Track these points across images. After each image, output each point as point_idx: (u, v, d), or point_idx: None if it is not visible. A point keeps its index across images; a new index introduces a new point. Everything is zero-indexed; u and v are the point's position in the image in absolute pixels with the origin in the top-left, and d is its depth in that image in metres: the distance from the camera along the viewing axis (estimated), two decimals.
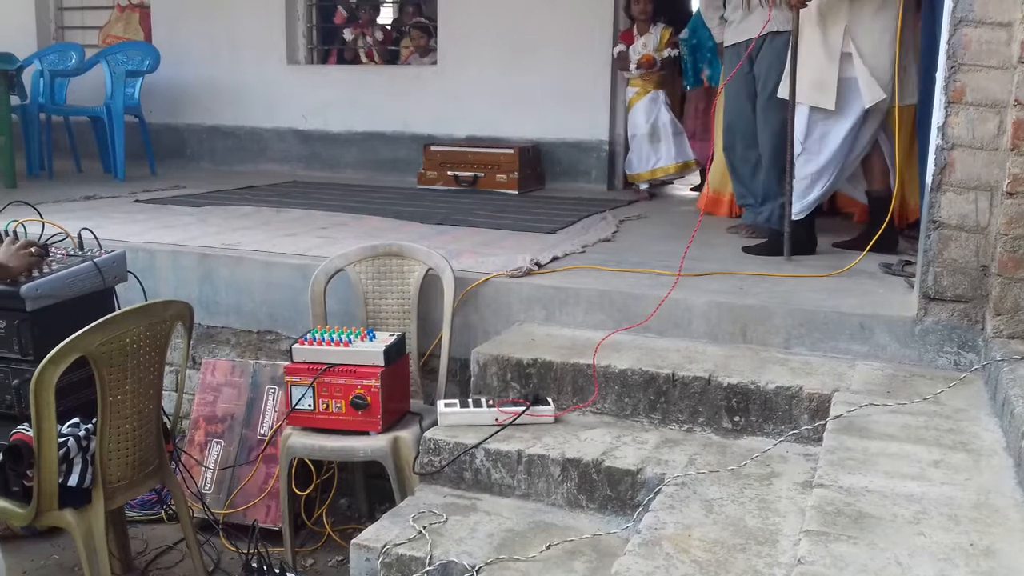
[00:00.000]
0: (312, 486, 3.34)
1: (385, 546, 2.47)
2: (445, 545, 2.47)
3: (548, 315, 3.37)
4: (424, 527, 2.54)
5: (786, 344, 3.04)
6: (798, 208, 3.83)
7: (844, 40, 3.66)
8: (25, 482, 2.56)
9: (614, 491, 2.57)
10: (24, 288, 2.70)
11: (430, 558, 2.42)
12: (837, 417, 2.38)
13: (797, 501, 2.27)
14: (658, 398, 2.86)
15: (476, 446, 2.74)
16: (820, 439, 2.45)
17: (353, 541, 2.55)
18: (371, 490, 3.48)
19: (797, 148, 3.78)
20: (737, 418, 2.77)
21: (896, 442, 2.23)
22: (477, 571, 2.35)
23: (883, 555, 1.71)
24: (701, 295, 3.21)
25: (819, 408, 2.62)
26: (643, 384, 2.87)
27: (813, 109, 3.75)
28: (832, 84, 3.68)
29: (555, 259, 3.75)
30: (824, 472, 2.06)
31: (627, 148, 6.02)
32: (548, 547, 2.42)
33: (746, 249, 3.98)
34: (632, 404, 2.89)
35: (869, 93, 3.66)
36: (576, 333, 3.24)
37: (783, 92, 3.81)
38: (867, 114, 3.75)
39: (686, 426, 2.83)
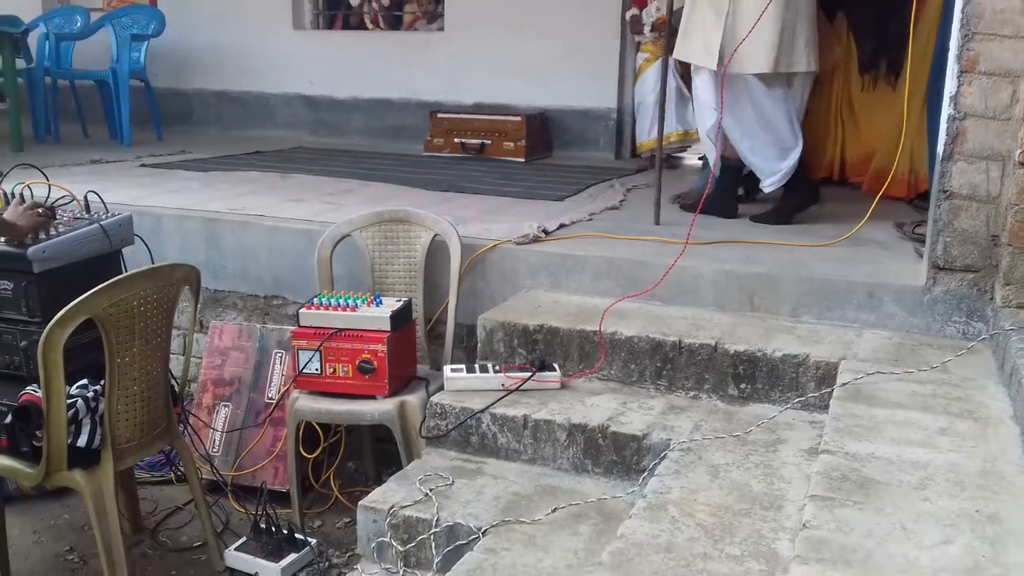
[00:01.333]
0: (319, 449, 3.36)
1: (392, 508, 2.49)
2: (451, 507, 2.49)
3: (555, 282, 3.36)
4: (430, 490, 2.56)
5: (794, 312, 3.04)
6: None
7: (729, 4, 3.62)
8: (34, 443, 2.58)
9: (619, 456, 2.58)
10: (31, 250, 2.70)
11: (437, 520, 2.44)
12: (844, 385, 2.38)
13: (803, 467, 2.28)
14: (664, 365, 2.86)
15: (482, 411, 2.75)
16: (826, 407, 2.45)
17: (360, 503, 2.57)
18: (378, 453, 3.50)
19: (713, 113, 3.78)
20: (744, 385, 2.77)
21: (903, 410, 2.23)
22: (483, 533, 2.37)
23: (888, 520, 1.72)
24: (709, 263, 3.20)
25: (826, 376, 2.62)
26: (649, 351, 2.87)
27: (714, 73, 3.71)
28: (715, 47, 3.64)
29: (562, 226, 3.74)
30: (830, 438, 2.07)
31: (635, 117, 5.97)
32: (554, 510, 2.43)
33: (754, 218, 3.96)
34: (638, 371, 2.90)
35: (750, 60, 3.62)
36: (583, 300, 3.24)
37: (678, 53, 3.86)
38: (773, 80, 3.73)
39: (692, 393, 2.83)
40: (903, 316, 2.91)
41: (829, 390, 2.49)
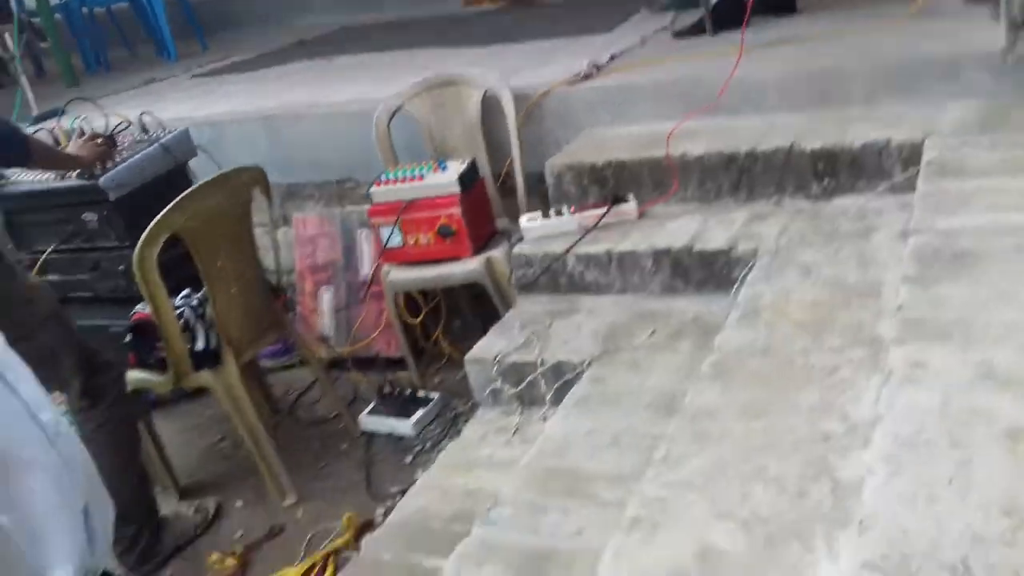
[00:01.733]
0: (422, 315, 3.47)
1: (496, 356, 2.60)
2: (553, 347, 2.58)
3: (615, 115, 3.29)
4: (530, 334, 2.65)
5: (869, 100, 2.91)
6: None
7: None
8: (158, 354, 2.76)
9: (709, 272, 2.60)
10: (103, 180, 2.81)
11: (541, 360, 2.54)
12: (929, 162, 2.30)
13: (897, 251, 2.22)
14: (740, 176, 2.81)
15: (565, 253, 2.78)
16: (915, 188, 2.38)
17: (466, 357, 2.69)
18: (478, 308, 3.58)
19: None
20: (826, 181, 2.71)
21: (994, 177, 2.15)
22: (588, 365, 2.46)
23: (985, 289, 1.70)
24: (771, 65, 3.08)
25: (911, 157, 2.53)
26: (722, 165, 2.82)
27: None
28: None
29: (613, 58, 3.62)
30: (919, 217, 2.03)
31: None
32: (652, 333, 2.49)
33: None
34: (715, 187, 2.86)
35: None
36: (646, 128, 3.16)
37: None
38: None
39: (774, 199, 2.79)
40: (986, 82, 2.75)
41: (916, 170, 2.41)
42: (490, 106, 3.36)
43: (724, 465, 1.71)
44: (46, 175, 2.98)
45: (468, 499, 2.28)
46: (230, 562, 2.60)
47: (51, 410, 0.88)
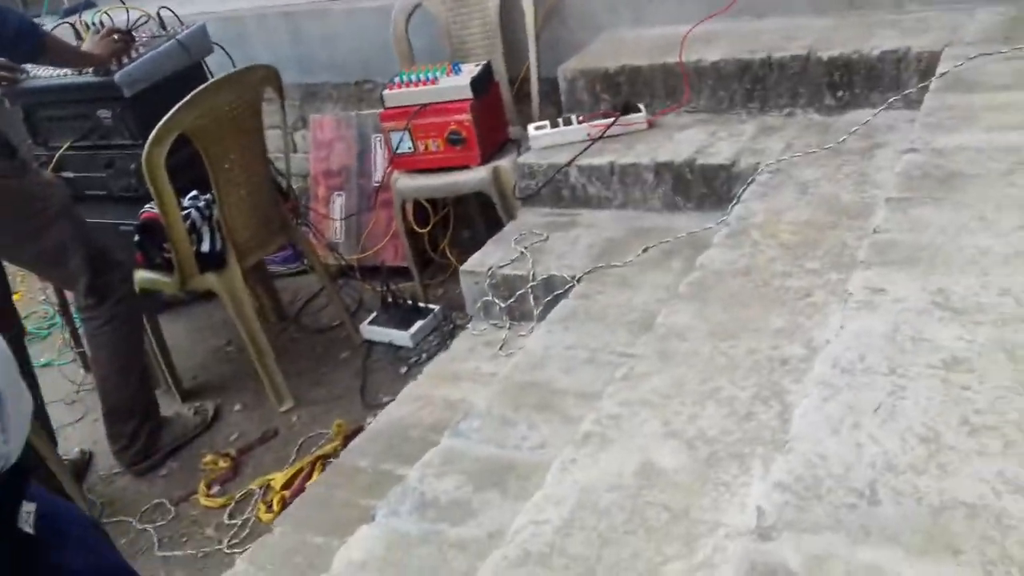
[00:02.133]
0: (431, 224, 3.47)
1: (490, 269, 2.59)
2: (547, 261, 2.55)
3: (636, 16, 3.16)
4: (526, 247, 2.62)
5: (899, 3, 2.74)
6: None
7: None
8: (165, 255, 2.81)
9: (709, 188, 2.52)
10: (118, 75, 2.81)
11: (532, 274, 2.52)
12: (943, 74, 2.16)
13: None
14: (754, 86, 2.70)
15: (568, 164, 2.73)
16: None
17: (461, 268, 2.69)
18: (488, 220, 3.57)
19: None
20: (840, 93, 2.58)
21: (1005, 92, 2.02)
22: (577, 280, 2.43)
23: (967, 213, 1.61)
24: None
25: (928, 68, 2.38)
26: (737, 74, 2.70)
27: None
28: None
29: None
30: (918, 135, 1.92)
31: None
32: (645, 250, 2.45)
33: None
34: (727, 97, 2.75)
35: None
36: (666, 31, 3.03)
37: None
38: None
39: (786, 110, 2.67)
40: None
41: (929, 82, 2.27)
42: (510, 5, 3.25)
43: (682, 385, 1.69)
44: (63, 71, 3.00)
45: (448, 410, 2.30)
46: (223, 463, 2.69)
47: None
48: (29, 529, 0.94)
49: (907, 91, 2.42)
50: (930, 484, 1.13)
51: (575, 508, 1.48)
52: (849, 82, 2.55)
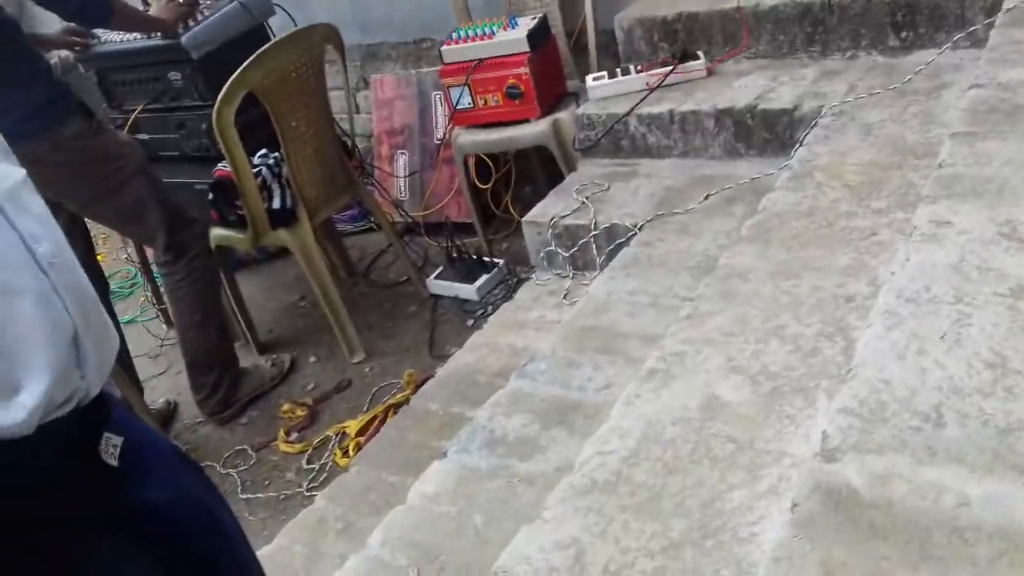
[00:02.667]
0: (493, 180, 3.51)
1: (552, 219, 2.63)
2: (608, 211, 2.58)
3: None
4: (587, 198, 2.66)
5: None
6: None
7: None
8: (238, 212, 2.92)
9: (771, 133, 2.52)
10: (184, 38, 2.89)
11: (595, 223, 2.55)
12: (1009, 10, 2.12)
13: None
14: (815, 29, 2.66)
15: (627, 114, 2.74)
16: None
17: (523, 219, 2.73)
18: (549, 174, 3.60)
19: None
20: (905, 34, 2.54)
21: None
22: (639, 228, 2.46)
23: None
24: None
25: (995, 5, 2.32)
26: (797, 17, 2.67)
27: None
28: None
29: None
30: (983, 71, 1.89)
31: None
32: (706, 197, 2.46)
33: None
34: (788, 41, 2.73)
35: None
36: None
37: None
38: None
39: (849, 53, 2.64)
40: None
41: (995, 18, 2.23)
42: None
43: (745, 323, 1.72)
44: (132, 35, 3.09)
45: (514, 356, 2.37)
46: (300, 412, 2.80)
47: (50, 242, 0.97)
48: (113, 461, 1.00)
49: (972, 28, 2.37)
50: (996, 407, 1.15)
51: (640, 439, 1.53)
52: (913, 22, 2.50)
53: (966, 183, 1.56)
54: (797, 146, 2.33)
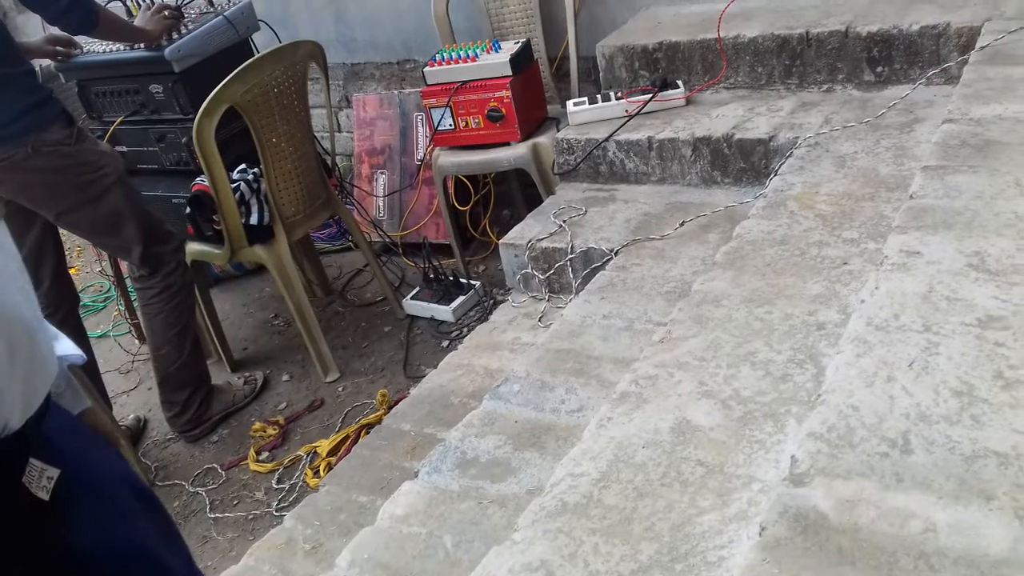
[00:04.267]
0: (472, 202, 3.53)
1: (529, 242, 2.64)
2: (585, 235, 2.60)
3: None
4: (564, 221, 2.67)
5: None
6: None
7: None
8: (215, 227, 2.90)
9: (747, 163, 2.55)
10: (167, 51, 2.89)
11: (571, 247, 2.57)
12: (982, 48, 2.17)
13: None
14: (793, 61, 2.71)
15: (606, 139, 2.76)
16: None
17: (500, 241, 2.74)
18: (528, 198, 3.62)
19: None
20: (880, 69, 2.59)
21: None
22: (615, 253, 2.47)
23: (1003, 179, 1.63)
24: None
25: (969, 43, 2.38)
26: (775, 49, 2.72)
27: None
28: None
29: None
30: (955, 106, 1.93)
31: None
32: (682, 224, 2.48)
33: None
34: (766, 73, 2.77)
35: None
36: (704, 8, 3.06)
37: None
38: None
39: (825, 86, 2.68)
40: None
41: (968, 56, 2.28)
42: None
43: (717, 348, 1.73)
44: (115, 46, 3.08)
45: (488, 378, 2.37)
46: (271, 431, 2.78)
47: None
48: (44, 495, 0.93)
49: (946, 65, 2.43)
50: (963, 434, 1.16)
51: (612, 462, 1.53)
52: (888, 57, 2.55)
53: (937, 215, 1.58)
54: (772, 176, 2.36)
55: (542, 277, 2.62)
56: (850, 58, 2.61)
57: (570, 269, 2.56)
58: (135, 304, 3.22)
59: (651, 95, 2.79)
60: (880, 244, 1.84)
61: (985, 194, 1.60)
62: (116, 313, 3.72)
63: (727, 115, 2.67)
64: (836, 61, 2.63)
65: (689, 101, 2.82)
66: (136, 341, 3.48)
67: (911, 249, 1.51)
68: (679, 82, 2.84)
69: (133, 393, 3.23)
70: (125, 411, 3.08)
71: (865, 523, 1.09)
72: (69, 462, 0.99)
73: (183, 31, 2.98)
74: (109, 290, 3.92)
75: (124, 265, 3.08)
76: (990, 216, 1.54)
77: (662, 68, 2.93)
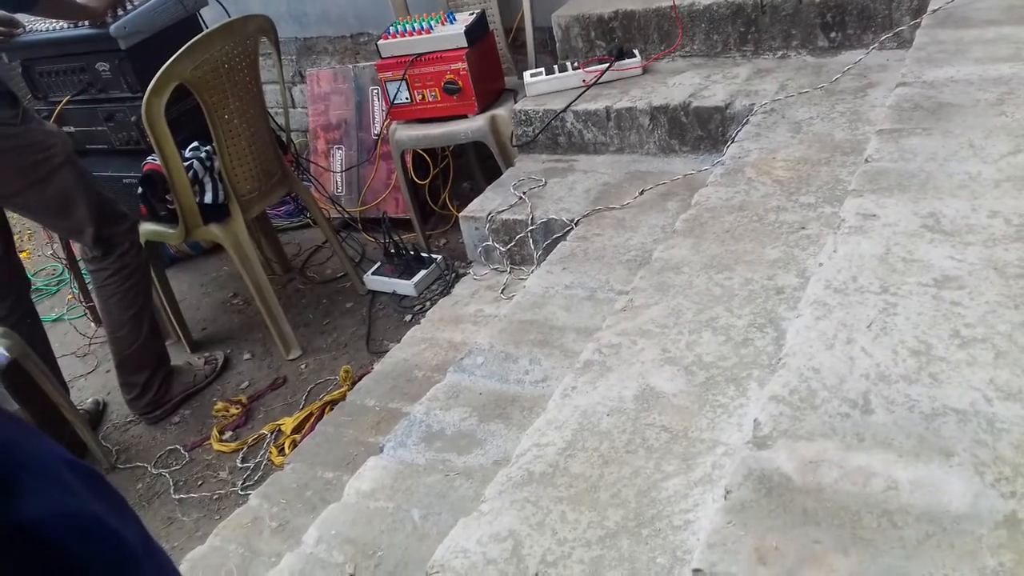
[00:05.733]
0: (431, 175, 3.50)
1: (490, 214, 2.63)
2: (545, 206, 2.59)
3: None
4: (524, 193, 2.66)
5: None
6: None
7: None
8: (168, 206, 2.85)
9: (705, 130, 2.55)
10: (113, 28, 2.81)
11: (531, 218, 2.56)
12: (934, 12, 2.19)
13: None
14: (748, 28, 2.71)
15: (564, 110, 2.75)
16: None
17: (460, 214, 2.72)
18: (487, 170, 3.61)
19: None
20: (833, 34, 2.60)
21: (995, 26, 2.04)
22: (575, 223, 2.47)
23: (956, 140, 1.65)
24: None
25: (921, 7, 2.41)
26: (730, 16, 2.72)
27: None
28: None
29: None
30: (909, 70, 1.95)
31: None
32: (642, 193, 2.49)
33: None
34: (721, 40, 2.77)
35: None
36: None
37: None
38: None
39: (779, 53, 2.70)
40: None
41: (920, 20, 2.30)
42: None
43: (679, 315, 1.74)
44: (59, 24, 2.99)
45: (452, 351, 2.36)
46: (234, 410, 2.75)
47: None
48: None
49: (899, 29, 2.45)
50: (922, 392, 1.18)
51: (577, 431, 1.53)
52: (842, 23, 2.57)
53: (892, 178, 1.60)
54: (729, 143, 2.37)
55: (503, 249, 2.62)
56: (804, 24, 2.62)
57: (531, 240, 2.56)
58: (89, 287, 3.15)
59: (608, 65, 2.78)
60: (837, 208, 1.86)
61: (939, 156, 1.62)
62: (70, 296, 3.64)
63: (684, 83, 2.67)
64: (790, 27, 2.64)
65: (646, 70, 2.81)
66: (92, 324, 3.41)
67: (867, 212, 1.53)
68: (635, 51, 2.84)
69: (91, 376, 3.17)
70: (83, 395, 3.02)
71: (828, 483, 1.11)
72: (5, 447, 0.97)
73: (128, 7, 2.90)
74: (62, 273, 3.84)
75: (76, 247, 3.02)
76: (944, 178, 1.56)
77: (618, 37, 2.91)
